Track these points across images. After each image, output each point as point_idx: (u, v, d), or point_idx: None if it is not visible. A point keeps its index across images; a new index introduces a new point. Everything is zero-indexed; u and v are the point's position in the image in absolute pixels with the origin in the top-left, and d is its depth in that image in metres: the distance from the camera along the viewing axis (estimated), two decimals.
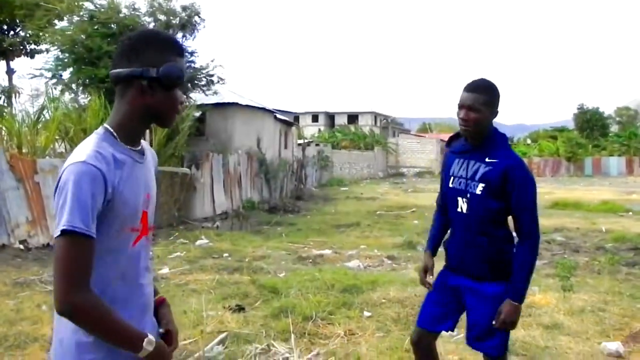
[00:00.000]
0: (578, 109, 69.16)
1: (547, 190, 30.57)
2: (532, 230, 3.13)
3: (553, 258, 10.50)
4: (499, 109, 3.22)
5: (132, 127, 1.93)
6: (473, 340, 3.34)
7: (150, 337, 1.84)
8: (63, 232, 1.69)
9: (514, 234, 3.22)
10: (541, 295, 7.10)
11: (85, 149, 1.80)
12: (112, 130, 1.90)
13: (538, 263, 9.90)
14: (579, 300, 6.92)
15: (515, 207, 3.13)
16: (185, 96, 18.64)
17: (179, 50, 1.97)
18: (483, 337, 3.27)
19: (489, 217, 3.19)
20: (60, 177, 1.78)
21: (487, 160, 3.17)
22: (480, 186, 3.16)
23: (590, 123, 66.96)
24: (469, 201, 3.23)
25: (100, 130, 1.91)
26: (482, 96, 3.12)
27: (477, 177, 3.18)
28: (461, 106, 3.16)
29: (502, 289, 3.18)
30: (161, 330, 2.08)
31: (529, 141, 70.10)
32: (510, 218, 3.23)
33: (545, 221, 16.39)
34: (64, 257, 1.71)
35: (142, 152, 1.99)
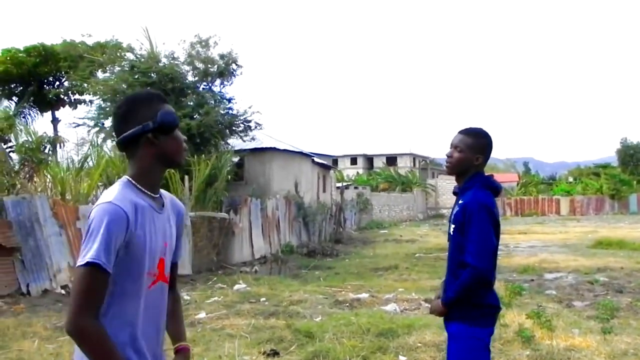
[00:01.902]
0: (621, 143, 67.71)
1: (590, 229, 29.96)
2: (473, 261, 3.15)
3: (595, 299, 10.24)
4: (487, 158, 3.38)
5: (149, 176, 2.13)
6: None
7: None
8: (87, 263, 1.88)
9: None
10: (581, 337, 6.92)
11: (112, 193, 2.03)
12: (132, 180, 2.10)
13: (579, 304, 9.76)
14: (622, 342, 6.72)
15: (465, 237, 3.22)
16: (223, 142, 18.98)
17: (163, 98, 2.19)
18: None
19: (458, 258, 3.28)
20: (89, 215, 1.99)
21: (459, 202, 3.34)
22: (452, 227, 3.34)
23: (635, 158, 65.42)
24: (449, 242, 3.41)
25: (123, 179, 2.12)
26: (469, 139, 3.34)
27: (452, 219, 3.37)
28: (450, 145, 3.39)
29: (460, 329, 3.24)
30: None
31: (571, 179, 68.86)
32: None
33: (587, 261, 16.09)
34: (82, 285, 1.91)
35: (161, 203, 2.18)
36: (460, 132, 3.39)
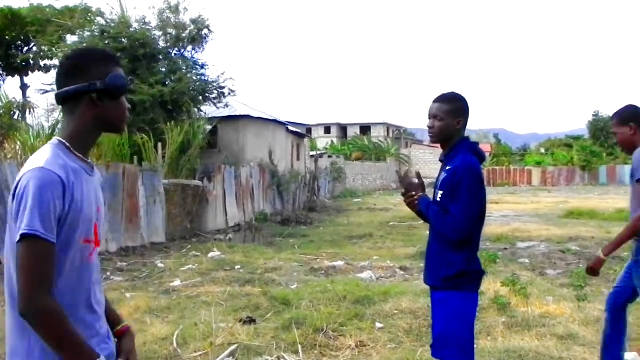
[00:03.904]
0: (593, 116, 68.42)
1: (561, 200, 30.39)
2: (457, 219, 3.14)
3: (568, 267, 10.38)
4: (467, 119, 3.38)
5: (84, 139, 2.00)
6: (433, 350, 3.37)
7: (103, 358, 1.86)
8: (23, 236, 1.72)
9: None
10: (555, 305, 7.00)
11: (43, 157, 1.85)
12: (65, 141, 1.94)
13: (552, 273, 9.89)
14: (595, 310, 6.80)
15: (452, 200, 3.19)
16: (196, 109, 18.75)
17: (117, 61, 2.06)
18: (438, 345, 3.31)
19: None
20: (17, 183, 1.81)
21: (447, 168, 3.31)
22: (440, 193, 3.30)
23: (605, 131, 66.18)
24: None
25: (54, 141, 1.96)
26: (446, 106, 3.33)
27: (438, 185, 3.34)
28: (428, 116, 3.38)
29: (447, 296, 3.24)
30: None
31: (542, 150, 69.57)
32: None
33: (559, 230, 16.31)
34: (26, 262, 1.74)
35: (92, 166, 2.04)
36: (435, 100, 3.39)
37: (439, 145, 3.46)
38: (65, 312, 1.78)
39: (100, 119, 1.98)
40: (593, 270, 4.29)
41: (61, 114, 15.07)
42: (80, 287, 1.92)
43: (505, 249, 12.76)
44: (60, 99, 1.97)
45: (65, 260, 1.84)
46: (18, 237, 1.74)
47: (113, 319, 2.17)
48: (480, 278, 3.35)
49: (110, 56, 2.06)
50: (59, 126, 14.29)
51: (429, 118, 3.38)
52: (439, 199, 3.30)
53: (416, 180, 3.51)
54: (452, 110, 3.32)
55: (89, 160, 2.03)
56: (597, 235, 14.99)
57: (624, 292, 4.49)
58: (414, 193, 3.43)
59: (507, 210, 24.18)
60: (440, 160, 3.48)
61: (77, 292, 1.91)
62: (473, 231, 3.22)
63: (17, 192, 1.80)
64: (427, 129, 3.42)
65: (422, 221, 3.54)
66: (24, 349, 1.85)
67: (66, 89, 1.94)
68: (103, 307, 2.08)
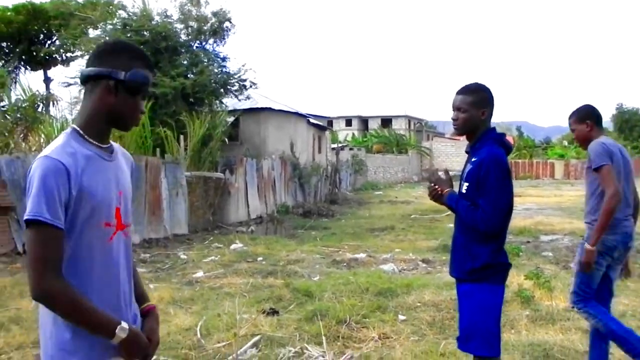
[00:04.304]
0: (617, 109, 67.45)
1: (583, 193, 29.98)
2: (487, 213, 3.12)
3: None
4: (491, 109, 3.35)
5: (96, 126, 2.04)
6: (459, 342, 3.37)
7: (124, 324, 1.93)
8: (28, 221, 1.81)
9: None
10: None
11: (52, 146, 1.94)
12: (79, 129, 2.01)
13: (576, 267, 9.75)
14: (620, 304, 6.74)
15: (479, 193, 3.17)
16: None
17: (148, 63, 2.11)
18: (464, 337, 3.30)
19: None
20: (28, 174, 1.90)
21: (472, 160, 3.29)
22: (465, 185, 3.28)
23: (630, 123, 65.32)
24: None
25: (68, 129, 2.03)
26: (469, 97, 3.30)
27: (464, 176, 3.33)
28: (452, 108, 3.36)
29: (473, 289, 3.23)
30: None
31: (565, 143, 68.77)
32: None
33: (582, 224, 16.05)
34: (33, 247, 1.84)
35: (110, 151, 2.09)
36: (458, 92, 3.36)
37: (460, 138, 3.45)
38: (77, 290, 1.86)
39: (111, 110, 2.02)
40: (587, 264, 4.26)
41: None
42: (101, 270, 1.99)
43: (528, 242, 12.65)
44: (84, 77, 2.03)
45: (81, 245, 1.92)
46: (25, 225, 1.83)
47: (138, 296, 2.23)
48: (507, 271, 3.32)
49: (142, 55, 2.10)
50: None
51: (453, 110, 3.36)
52: (464, 191, 3.28)
53: (444, 176, 3.49)
54: (475, 101, 3.29)
55: (109, 145, 2.09)
56: None
57: (598, 296, 4.48)
58: (437, 187, 3.42)
59: (529, 203, 23.99)
60: (466, 152, 3.44)
61: (99, 275, 1.98)
62: (504, 224, 3.19)
63: (27, 182, 1.89)
64: (452, 121, 3.39)
65: (445, 214, 3.54)
66: (49, 326, 1.95)
67: (90, 68, 2.01)
68: (130, 289, 2.14)
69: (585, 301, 4.40)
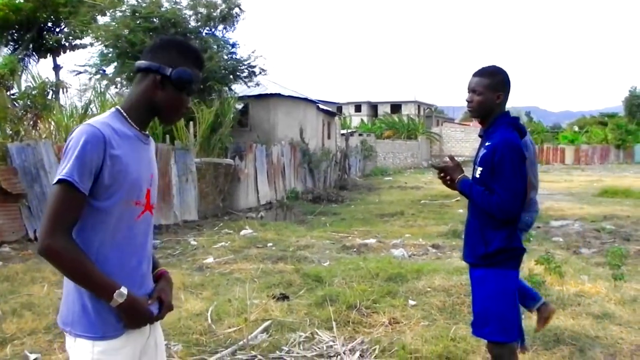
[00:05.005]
0: (630, 92, 66.66)
1: (595, 178, 29.93)
2: (502, 199, 3.10)
3: (603, 246, 10.23)
4: (507, 93, 3.32)
5: (139, 113, 2.16)
6: (473, 327, 3.37)
7: (124, 290, 1.98)
8: (59, 181, 1.90)
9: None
10: (591, 284, 6.93)
11: (95, 118, 2.08)
12: (122, 111, 2.14)
13: (587, 252, 9.75)
14: (631, 289, 6.73)
15: (495, 179, 3.15)
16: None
17: (199, 64, 2.22)
18: (478, 323, 3.29)
19: None
20: (70, 135, 1.99)
21: (486, 144, 3.26)
22: (479, 170, 3.26)
23: None
24: None
25: (112, 109, 2.14)
26: (485, 79, 3.27)
27: (478, 161, 3.30)
28: (468, 90, 3.33)
29: (487, 274, 3.22)
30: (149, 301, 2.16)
31: (576, 128, 68.29)
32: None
33: (593, 209, 16.07)
34: (53, 203, 1.92)
35: (147, 136, 2.20)
36: (475, 74, 3.32)
37: (470, 123, 3.44)
38: (82, 252, 1.94)
39: (155, 102, 2.14)
40: None
41: (94, 92, 15.33)
42: (127, 244, 2.07)
43: (539, 227, 12.61)
44: (136, 68, 2.16)
45: (110, 216, 2.01)
46: (54, 181, 1.92)
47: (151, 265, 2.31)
48: (521, 256, 3.31)
49: (194, 56, 2.20)
50: (91, 106, 14.47)
51: (468, 92, 3.33)
52: (477, 176, 3.26)
53: (450, 163, 3.46)
54: (491, 84, 3.26)
55: (146, 133, 2.20)
56: (632, 214, 14.76)
57: None
58: (446, 176, 3.40)
59: (540, 189, 23.85)
60: (479, 136, 3.42)
61: (123, 248, 2.06)
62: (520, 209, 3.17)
63: (66, 146, 1.97)
64: (466, 103, 3.36)
65: (455, 199, 3.52)
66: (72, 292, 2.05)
67: (142, 61, 2.14)
68: (148, 269, 2.22)
69: None
